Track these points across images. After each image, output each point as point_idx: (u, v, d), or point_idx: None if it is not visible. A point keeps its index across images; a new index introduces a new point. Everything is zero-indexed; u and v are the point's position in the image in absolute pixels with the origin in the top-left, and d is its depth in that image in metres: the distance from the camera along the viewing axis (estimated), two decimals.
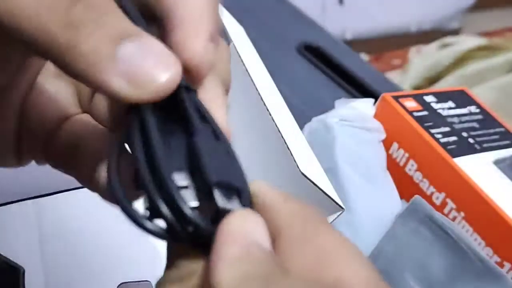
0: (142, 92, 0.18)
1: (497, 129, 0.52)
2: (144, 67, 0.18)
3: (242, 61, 0.42)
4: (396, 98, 0.51)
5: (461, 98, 0.55)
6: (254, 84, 0.41)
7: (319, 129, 0.49)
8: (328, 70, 0.68)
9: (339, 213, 0.38)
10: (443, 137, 0.49)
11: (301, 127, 0.50)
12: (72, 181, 0.24)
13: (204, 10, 0.20)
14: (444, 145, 0.48)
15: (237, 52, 0.43)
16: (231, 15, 0.55)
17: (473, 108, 0.54)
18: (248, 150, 0.48)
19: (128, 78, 0.18)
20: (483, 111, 0.54)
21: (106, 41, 0.18)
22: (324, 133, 0.48)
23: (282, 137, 0.38)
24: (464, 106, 0.54)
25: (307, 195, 0.40)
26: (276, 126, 0.39)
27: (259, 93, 0.41)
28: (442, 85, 1.11)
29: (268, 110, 0.40)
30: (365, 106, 0.52)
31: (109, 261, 0.40)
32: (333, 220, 0.39)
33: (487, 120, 0.53)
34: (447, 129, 0.50)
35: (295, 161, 0.37)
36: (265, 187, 0.20)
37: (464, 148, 0.48)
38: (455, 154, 0.47)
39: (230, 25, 0.47)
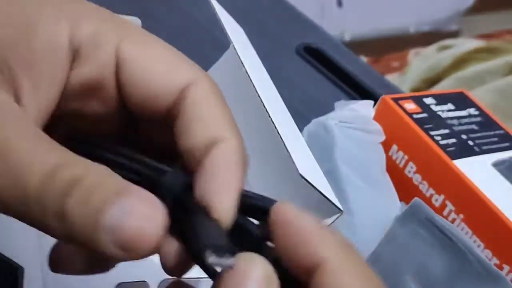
0: (131, 254, 0.19)
1: (497, 132, 0.52)
2: (127, 234, 0.19)
3: (241, 62, 0.42)
4: (396, 100, 0.51)
5: (461, 100, 0.55)
6: (254, 86, 0.41)
7: (319, 131, 0.49)
8: (328, 72, 0.68)
9: (338, 215, 0.38)
10: (443, 139, 0.49)
11: (301, 129, 0.50)
12: None
13: (236, 168, 0.23)
14: (444, 147, 0.48)
15: (237, 53, 0.43)
16: (230, 15, 0.55)
17: (472, 110, 0.54)
18: (248, 151, 0.48)
19: (115, 244, 0.19)
20: (482, 113, 0.54)
21: (90, 215, 0.19)
22: (323, 135, 0.48)
23: (282, 139, 0.38)
24: (464, 108, 0.54)
25: (306, 197, 0.40)
26: (276, 128, 0.39)
27: (258, 95, 0.41)
28: (441, 88, 1.11)
29: (267, 112, 0.40)
30: (364, 108, 0.52)
31: None
32: (332, 222, 0.39)
33: (486, 122, 0.53)
34: (446, 131, 0.50)
35: (294, 163, 0.37)
36: (296, 213, 0.21)
37: (463, 150, 0.48)
38: (454, 156, 0.47)
39: (230, 25, 0.47)
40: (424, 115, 0.51)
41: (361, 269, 0.20)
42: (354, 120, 0.49)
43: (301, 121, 0.51)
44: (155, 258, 0.25)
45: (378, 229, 0.44)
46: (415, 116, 0.50)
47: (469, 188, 0.45)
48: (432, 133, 0.49)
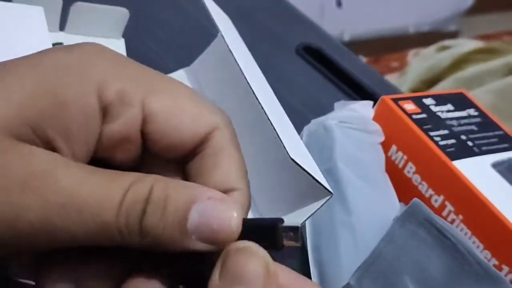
0: (220, 246, 0.23)
1: (496, 132, 0.53)
2: (214, 230, 0.22)
3: (230, 50, 0.43)
4: (395, 100, 0.51)
5: (460, 101, 0.55)
6: (243, 73, 0.41)
7: (318, 131, 0.49)
8: (328, 72, 0.68)
9: (328, 198, 0.39)
10: (442, 139, 0.49)
11: (300, 128, 0.50)
12: None
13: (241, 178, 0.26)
14: (443, 148, 0.48)
15: (225, 41, 0.43)
16: (229, 15, 0.55)
17: (472, 111, 0.54)
18: (238, 137, 0.48)
19: (203, 241, 0.22)
20: (482, 114, 0.54)
21: (175, 229, 0.22)
22: (323, 135, 0.48)
23: (271, 124, 0.39)
24: (463, 109, 0.54)
25: (296, 180, 0.40)
26: (265, 113, 0.39)
27: (247, 82, 0.41)
28: (440, 88, 1.11)
29: (256, 97, 0.40)
30: (364, 108, 0.52)
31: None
32: (321, 205, 0.39)
33: (486, 123, 0.53)
34: (446, 131, 0.50)
35: (284, 147, 0.38)
36: None
37: (462, 151, 0.48)
38: (453, 156, 0.47)
39: (217, 15, 0.47)
40: (424, 115, 0.51)
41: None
42: (353, 120, 0.49)
43: (300, 121, 0.51)
44: None
45: (377, 230, 0.44)
46: (414, 116, 0.50)
47: (469, 189, 0.45)
48: (432, 133, 0.49)
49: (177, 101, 0.26)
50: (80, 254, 0.24)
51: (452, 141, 0.49)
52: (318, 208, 0.39)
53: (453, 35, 1.95)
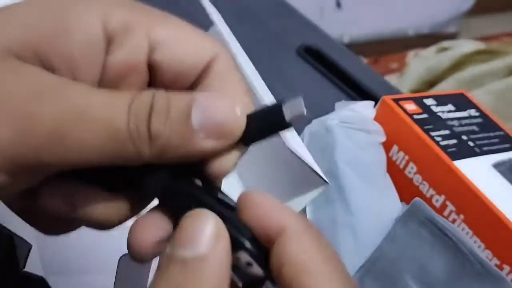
0: (228, 139, 0.23)
1: (497, 133, 0.53)
2: (219, 122, 0.23)
3: (226, 42, 0.43)
4: (397, 100, 0.51)
5: (461, 101, 0.55)
6: (240, 63, 0.42)
7: (320, 131, 0.49)
8: (328, 72, 0.69)
9: (323, 187, 0.39)
10: (443, 140, 0.49)
11: (302, 129, 0.50)
12: None
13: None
14: (444, 148, 0.48)
15: (221, 33, 0.44)
16: (230, 16, 0.55)
17: (472, 111, 0.54)
18: None
19: (213, 137, 0.23)
20: (482, 114, 0.55)
21: (181, 129, 0.22)
22: (324, 135, 0.48)
23: None
24: (464, 109, 0.54)
25: (293, 170, 0.40)
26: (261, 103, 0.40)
27: (245, 71, 0.41)
28: (440, 89, 1.11)
29: (253, 88, 0.40)
30: (365, 108, 0.52)
31: (110, 233, 0.40)
32: (317, 195, 0.39)
33: (486, 123, 0.53)
34: (447, 132, 0.50)
35: (281, 137, 0.38)
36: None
37: (463, 151, 0.49)
38: (454, 157, 0.47)
39: (210, 9, 0.48)
40: (425, 116, 0.51)
41: (317, 236, 0.22)
42: (354, 121, 0.49)
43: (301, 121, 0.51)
44: None
45: (378, 229, 0.44)
46: (415, 117, 0.50)
47: (470, 189, 0.45)
48: (433, 133, 0.49)
49: (180, 30, 0.26)
50: (82, 183, 0.25)
51: (453, 141, 0.49)
52: (315, 197, 0.40)
53: (453, 36, 1.95)
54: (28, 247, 0.35)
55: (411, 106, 0.51)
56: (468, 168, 0.47)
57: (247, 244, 0.22)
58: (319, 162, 0.42)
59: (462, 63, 1.15)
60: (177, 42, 0.26)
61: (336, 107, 0.53)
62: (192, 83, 0.26)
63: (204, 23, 0.47)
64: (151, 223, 0.24)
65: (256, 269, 0.22)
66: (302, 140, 0.49)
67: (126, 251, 0.35)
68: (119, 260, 0.35)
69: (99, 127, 0.22)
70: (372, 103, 0.53)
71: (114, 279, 0.36)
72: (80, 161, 0.22)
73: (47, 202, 0.25)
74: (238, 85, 0.26)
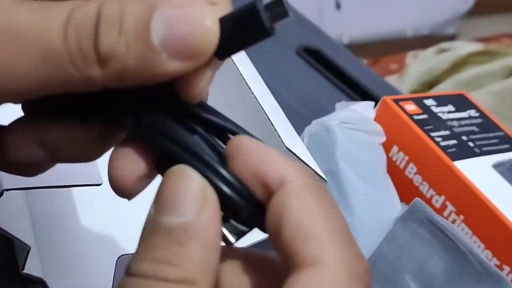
0: (198, 59, 0.18)
1: (497, 133, 0.53)
2: (185, 38, 0.18)
3: None
4: (397, 101, 0.51)
5: (461, 102, 0.55)
6: (235, 64, 0.42)
7: (320, 131, 0.49)
8: (328, 73, 0.68)
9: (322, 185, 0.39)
10: (443, 140, 0.49)
11: (301, 129, 0.50)
12: None
13: None
14: (444, 149, 0.48)
15: None
16: None
17: (472, 112, 0.54)
18: None
19: (180, 58, 0.18)
20: (482, 115, 0.55)
21: (138, 46, 0.18)
22: (324, 136, 0.48)
23: (266, 114, 0.39)
24: (464, 110, 0.54)
25: None
26: (259, 103, 0.40)
27: (240, 73, 0.41)
28: (439, 90, 1.11)
29: (250, 88, 0.40)
30: (365, 109, 0.52)
31: (109, 233, 0.40)
32: None
33: (486, 124, 0.53)
34: (447, 132, 0.50)
35: (279, 136, 0.38)
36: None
37: (463, 152, 0.48)
38: (454, 157, 0.47)
39: None
40: (425, 116, 0.51)
41: (319, 191, 0.20)
42: (355, 121, 0.49)
43: (301, 122, 0.51)
44: None
45: (378, 230, 0.44)
46: (415, 117, 0.50)
47: (470, 190, 0.45)
48: (433, 134, 0.49)
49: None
50: (48, 118, 0.22)
51: (453, 141, 0.49)
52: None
53: (452, 37, 1.95)
54: (27, 248, 0.35)
55: (411, 107, 0.51)
56: (468, 168, 0.47)
57: (242, 204, 0.19)
58: (319, 163, 0.42)
59: (461, 64, 1.15)
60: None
61: (336, 107, 0.53)
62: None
63: None
64: (126, 160, 0.21)
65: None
66: (302, 140, 0.49)
67: (124, 252, 0.35)
68: (117, 261, 0.35)
69: (29, 48, 0.18)
70: (372, 103, 0.53)
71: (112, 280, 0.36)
72: (19, 90, 0.19)
73: (18, 153, 0.22)
74: (320, 226, 0.20)
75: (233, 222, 0.20)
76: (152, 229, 0.19)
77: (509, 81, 1.06)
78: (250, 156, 0.20)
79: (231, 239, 0.20)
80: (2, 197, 0.34)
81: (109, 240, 0.41)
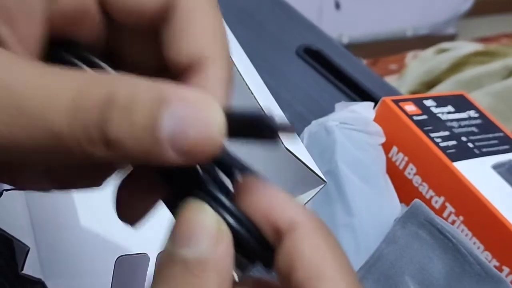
0: (198, 159, 0.19)
1: (496, 134, 0.53)
2: (192, 142, 0.18)
3: None
4: (396, 102, 0.51)
5: (460, 102, 0.55)
6: (234, 64, 0.42)
7: (319, 132, 0.49)
8: (328, 73, 0.68)
9: (321, 186, 0.39)
10: (443, 141, 0.49)
11: (301, 130, 0.50)
12: None
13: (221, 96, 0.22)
14: (444, 149, 0.48)
15: None
16: (229, 17, 0.55)
17: (472, 113, 0.54)
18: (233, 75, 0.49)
19: (180, 153, 0.18)
20: (482, 115, 0.54)
21: (146, 138, 0.18)
22: (324, 136, 0.48)
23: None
24: (464, 111, 0.54)
25: (291, 169, 0.41)
26: (259, 104, 0.40)
27: (239, 73, 0.41)
28: (439, 90, 1.11)
29: (249, 88, 0.40)
30: (365, 109, 0.52)
31: (108, 234, 0.40)
32: (315, 194, 0.39)
33: (486, 124, 0.53)
34: (446, 133, 0.50)
35: (279, 137, 0.38)
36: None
37: (463, 152, 0.48)
38: (454, 158, 0.47)
39: None
40: (424, 117, 0.51)
41: (329, 235, 0.21)
42: (354, 122, 0.49)
43: (301, 122, 0.51)
44: (155, 230, 0.26)
45: (378, 231, 0.44)
46: (415, 118, 0.50)
47: (469, 190, 0.45)
48: (432, 135, 0.49)
49: None
50: None
51: (453, 142, 0.49)
52: (313, 197, 0.40)
53: (451, 38, 1.96)
54: (26, 249, 0.35)
55: (410, 107, 0.51)
56: (467, 169, 0.47)
57: (253, 243, 0.20)
58: (318, 163, 0.42)
59: (461, 65, 1.16)
60: None
61: (336, 108, 0.53)
62: (155, 18, 0.22)
63: None
64: (134, 197, 0.23)
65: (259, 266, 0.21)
66: (302, 140, 0.49)
67: (124, 253, 0.35)
68: (115, 262, 0.35)
69: (30, 122, 0.18)
70: (371, 104, 0.53)
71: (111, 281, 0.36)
72: (20, 160, 0.19)
73: (29, 185, 0.23)
74: (207, 25, 0.22)
75: (241, 258, 0.21)
76: (169, 260, 0.19)
77: (509, 82, 1.06)
78: (260, 198, 0.20)
79: (235, 277, 0.21)
80: (2, 197, 0.34)
81: (108, 240, 0.41)
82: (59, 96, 0.18)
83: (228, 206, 0.20)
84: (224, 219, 0.20)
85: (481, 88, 1.07)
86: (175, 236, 0.19)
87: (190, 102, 0.18)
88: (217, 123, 0.19)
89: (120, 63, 0.24)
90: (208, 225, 0.19)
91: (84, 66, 0.22)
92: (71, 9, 0.22)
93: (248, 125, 0.19)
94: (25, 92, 0.18)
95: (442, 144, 0.48)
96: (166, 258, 0.19)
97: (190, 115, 0.18)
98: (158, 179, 0.22)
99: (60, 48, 0.23)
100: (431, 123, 0.50)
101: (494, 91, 1.04)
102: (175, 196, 0.21)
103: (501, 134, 0.53)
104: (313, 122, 0.50)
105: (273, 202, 0.20)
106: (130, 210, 0.23)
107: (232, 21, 0.55)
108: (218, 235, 0.19)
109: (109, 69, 0.22)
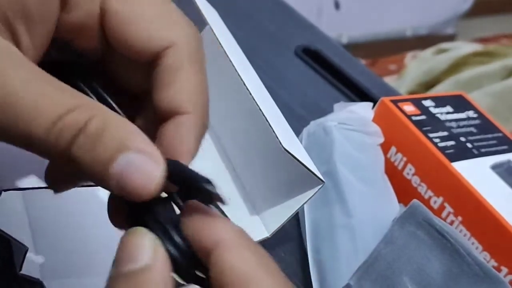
0: (135, 198, 0.22)
1: (495, 134, 0.53)
2: (131, 186, 0.22)
3: (219, 43, 0.43)
4: (395, 102, 0.51)
5: (459, 102, 0.55)
6: (233, 65, 0.42)
7: (318, 132, 0.49)
8: (327, 73, 0.68)
9: (320, 186, 0.39)
10: (441, 141, 0.49)
11: (300, 130, 0.50)
12: None
13: (186, 145, 0.25)
14: (442, 150, 0.48)
15: (214, 34, 0.44)
16: (228, 17, 0.55)
17: (471, 113, 0.54)
18: (232, 129, 0.48)
19: (121, 189, 0.22)
20: (481, 116, 0.55)
21: (100, 166, 0.22)
22: (322, 137, 0.48)
23: (264, 115, 0.39)
24: (462, 111, 0.54)
25: (289, 169, 0.41)
26: (257, 105, 0.40)
27: (238, 74, 0.41)
28: (438, 91, 1.11)
29: (248, 89, 0.40)
30: (363, 109, 0.52)
31: (107, 234, 0.40)
32: (313, 194, 0.40)
33: (485, 125, 0.53)
34: (445, 133, 0.50)
35: (277, 137, 0.38)
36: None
37: (462, 153, 0.48)
38: (453, 158, 0.47)
39: (205, 8, 0.47)
40: (423, 117, 0.51)
41: (254, 246, 0.23)
42: (353, 122, 0.49)
43: (300, 122, 0.51)
44: None
45: (376, 231, 0.44)
46: (414, 118, 0.50)
47: (468, 191, 0.45)
48: (431, 135, 0.49)
49: (138, 5, 0.25)
50: None
51: (452, 142, 0.49)
52: (311, 197, 0.40)
53: (451, 38, 1.96)
54: (25, 249, 0.35)
55: (409, 108, 0.51)
56: (466, 169, 0.47)
57: (185, 265, 0.23)
58: (317, 163, 0.42)
59: (460, 65, 1.16)
60: (129, 18, 0.25)
61: (334, 108, 0.53)
62: (150, 61, 0.25)
63: (204, 23, 0.47)
64: (119, 208, 0.25)
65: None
66: (300, 141, 0.49)
67: None
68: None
69: (19, 122, 0.21)
70: (370, 104, 0.53)
71: None
72: (11, 142, 0.22)
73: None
74: (188, 84, 0.25)
75: (179, 280, 0.23)
76: (113, 278, 0.22)
77: (508, 82, 1.06)
78: (194, 223, 0.23)
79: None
80: (0, 197, 0.34)
81: (108, 240, 0.40)
82: (50, 109, 0.21)
83: (168, 231, 0.23)
84: (163, 243, 0.22)
85: (480, 88, 1.07)
86: (117, 259, 0.22)
87: (143, 155, 0.22)
88: (157, 178, 0.22)
89: (111, 75, 0.27)
90: (145, 244, 0.22)
91: (83, 86, 0.26)
92: (78, 22, 0.25)
93: (188, 185, 0.23)
94: (19, 92, 0.21)
95: (441, 144, 0.48)
96: (111, 278, 0.22)
97: (139, 165, 0.22)
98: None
99: (67, 67, 0.26)
100: (430, 123, 0.50)
101: (493, 91, 1.04)
102: (130, 217, 0.24)
103: (500, 134, 0.53)
104: (312, 123, 0.50)
105: (203, 224, 0.23)
106: (122, 216, 0.25)
107: (231, 21, 0.55)
108: (155, 251, 0.22)
109: (105, 96, 0.26)
